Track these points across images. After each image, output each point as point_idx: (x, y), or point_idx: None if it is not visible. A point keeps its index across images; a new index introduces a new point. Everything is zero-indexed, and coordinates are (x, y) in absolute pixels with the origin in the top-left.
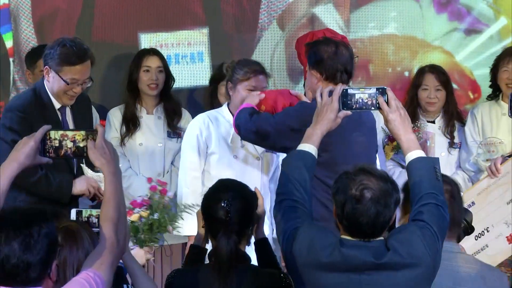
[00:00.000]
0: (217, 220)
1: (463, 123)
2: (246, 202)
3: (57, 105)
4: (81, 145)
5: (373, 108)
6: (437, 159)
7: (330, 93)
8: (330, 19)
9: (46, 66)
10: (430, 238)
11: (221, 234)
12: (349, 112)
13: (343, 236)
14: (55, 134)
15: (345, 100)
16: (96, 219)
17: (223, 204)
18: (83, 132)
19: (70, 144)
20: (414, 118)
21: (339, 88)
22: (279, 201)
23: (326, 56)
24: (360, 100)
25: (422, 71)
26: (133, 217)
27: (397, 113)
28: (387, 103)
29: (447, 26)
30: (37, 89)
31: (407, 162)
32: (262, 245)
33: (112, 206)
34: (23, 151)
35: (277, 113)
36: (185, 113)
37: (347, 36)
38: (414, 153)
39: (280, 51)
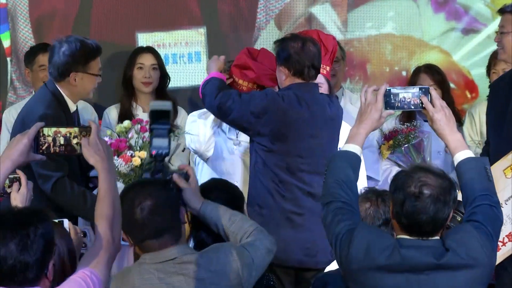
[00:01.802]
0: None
1: (460, 122)
2: (231, 201)
3: (72, 108)
4: (74, 142)
5: (417, 108)
6: (487, 159)
7: None
8: (328, 19)
9: (73, 73)
10: (485, 238)
11: (203, 231)
12: (392, 112)
13: (400, 236)
14: (48, 131)
15: (389, 100)
16: None
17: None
18: (76, 129)
19: (63, 141)
20: (410, 117)
21: (383, 87)
22: (327, 203)
23: (293, 52)
24: (403, 100)
25: (417, 71)
26: (135, 161)
27: (442, 113)
28: (431, 102)
29: (444, 25)
30: (55, 93)
31: (455, 162)
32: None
33: (107, 204)
34: (17, 148)
35: (243, 94)
36: (181, 112)
37: (344, 35)
38: (462, 154)
39: None
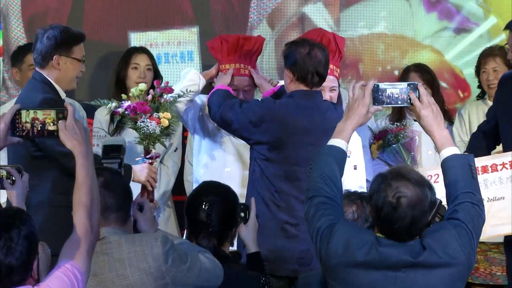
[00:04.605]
0: (198, 222)
1: (451, 121)
2: (228, 205)
3: (63, 95)
4: (51, 127)
5: (404, 104)
6: (472, 156)
7: None
8: (320, 18)
9: (56, 56)
10: (464, 236)
11: (202, 236)
12: (380, 108)
13: (379, 235)
14: (26, 118)
15: (376, 96)
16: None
17: (204, 207)
18: (53, 113)
19: (40, 128)
20: (400, 116)
21: (371, 83)
22: (310, 197)
23: (299, 57)
24: (391, 96)
25: (407, 70)
26: (164, 122)
27: (429, 109)
28: (419, 99)
29: (437, 25)
30: (43, 81)
31: (441, 159)
32: (254, 260)
33: (85, 191)
34: None
35: (244, 103)
36: None
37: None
38: (448, 150)
39: (269, 50)
